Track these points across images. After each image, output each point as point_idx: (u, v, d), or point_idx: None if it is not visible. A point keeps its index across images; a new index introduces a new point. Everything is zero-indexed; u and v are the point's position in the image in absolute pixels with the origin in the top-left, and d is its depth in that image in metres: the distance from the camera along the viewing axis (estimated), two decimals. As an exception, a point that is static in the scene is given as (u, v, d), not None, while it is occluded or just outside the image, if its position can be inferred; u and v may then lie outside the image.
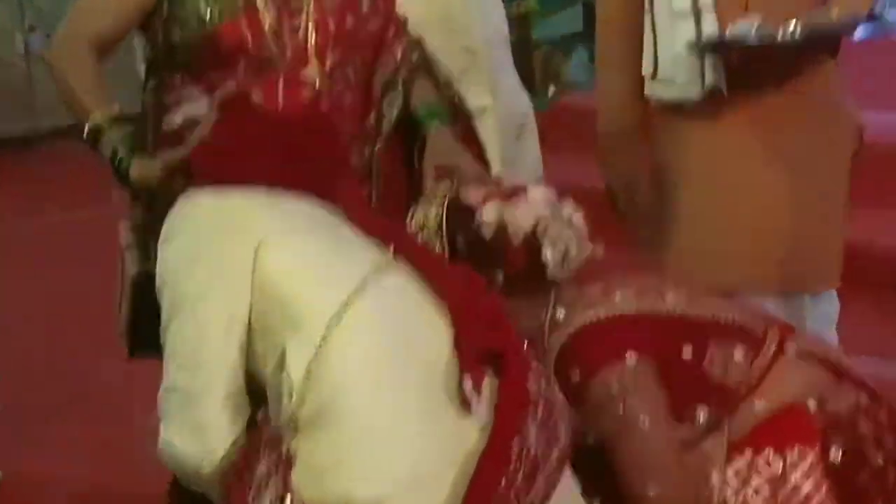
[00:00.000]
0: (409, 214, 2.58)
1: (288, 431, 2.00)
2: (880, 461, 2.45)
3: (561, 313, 2.47)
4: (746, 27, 2.97)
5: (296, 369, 1.98)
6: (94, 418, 4.19)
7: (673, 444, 2.39)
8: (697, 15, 3.08)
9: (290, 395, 1.98)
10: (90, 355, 4.41)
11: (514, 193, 2.50)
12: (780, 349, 2.49)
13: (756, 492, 2.38)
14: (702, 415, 2.39)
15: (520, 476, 2.02)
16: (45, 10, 8.02)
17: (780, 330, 2.54)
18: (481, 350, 2.05)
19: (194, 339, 2.06)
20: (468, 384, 1.98)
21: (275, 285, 2.04)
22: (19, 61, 8.58)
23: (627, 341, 2.40)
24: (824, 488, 2.39)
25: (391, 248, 2.12)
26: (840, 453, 2.42)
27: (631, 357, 2.37)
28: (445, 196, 2.55)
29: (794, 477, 2.39)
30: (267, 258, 2.04)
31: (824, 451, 2.41)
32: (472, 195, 2.52)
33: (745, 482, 2.39)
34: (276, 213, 2.14)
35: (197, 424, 2.06)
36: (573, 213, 2.50)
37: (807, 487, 2.39)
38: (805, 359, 2.51)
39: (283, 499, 1.99)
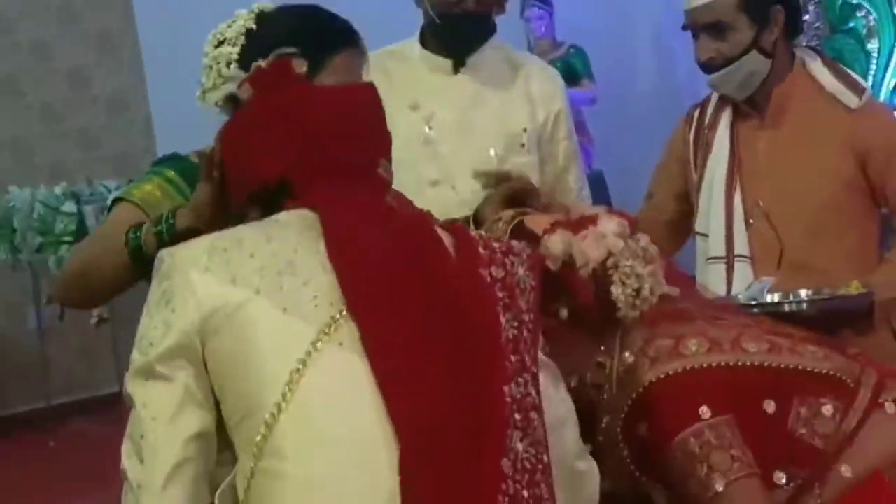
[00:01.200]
0: (480, 205, 2.74)
1: None
2: None
3: (629, 359, 2.49)
4: (758, 290, 3.08)
5: (241, 478, 2.00)
6: None
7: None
8: (730, 264, 3.29)
9: None
10: None
11: (583, 223, 2.50)
12: (875, 401, 2.47)
13: None
14: (786, 477, 2.41)
15: None
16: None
17: (877, 375, 2.51)
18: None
19: (135, 431, 2.07)
20: None
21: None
22: (31, 339, 8.50)
23: (702, 397, 2.40)
24: None
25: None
26: None
27: (705, 412, 2.37)
28: (510, 222, 2.60)
29: None
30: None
31: None
32: (538, 222, 2.56)
33: None
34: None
35: None
36: (648, 248, 2.47)
37: None
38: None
39: None
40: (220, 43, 2.71)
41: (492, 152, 3.54)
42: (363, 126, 2.34)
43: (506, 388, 2.03)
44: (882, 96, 7.32)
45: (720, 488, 2.31)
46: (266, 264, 2.06)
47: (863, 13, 7.62)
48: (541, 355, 2.13)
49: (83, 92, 8.75)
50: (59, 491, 6.85)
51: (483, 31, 3.58)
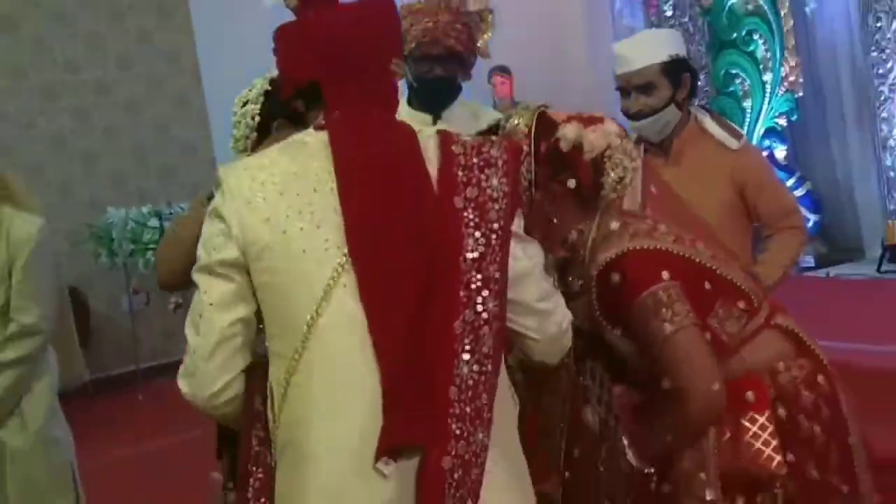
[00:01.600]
0: (505, 118, 2.58)
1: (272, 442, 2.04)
2: (817, 429, 2.45)
3: (614, 227, 2.49)
4: None
5: (277, 384, 1.99)
6: None
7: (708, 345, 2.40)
8: None
9: (273, 402, 2.01)
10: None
11: (592, 121, 2.49)
12: (767, 322, 2.50)
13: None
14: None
15: None
16: (149, 276, 8.07)
17: (770, 306, 2.56)
18: (402, 443, 1.92)
19: (196, 310, 2.04)
20: (382, 463, 1.90)
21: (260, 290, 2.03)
22: (125, 319, 8.56)
23: (665, 267, 2.40)
24: (774, 443, 2.37)
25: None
26: (785, 415, 2.41)
27: (665, 275, 2.38)
28: (538, 109, 2.53)
29: (747, 437, 2.39)
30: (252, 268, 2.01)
31: (774, 412, 2.40)
32: (557, 115, 2.52)
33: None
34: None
35: (190, 369, 2.07)
36: (634, 150, 2.53)
37: (758, 443, 2.37)
38: (779, 332, 2.52)
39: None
40: (244, 104, 2.95)
41: None
42: (375, 28, 2.19)
43: (456, 324, 1.95)
44: (754, 141, 7.75)
45: (668, 333, 2.35)
46: (291, 204, 2.03)
47: (740, 80, 7.82)
48: (515, 229, 2.04)
49: (164, 137, 8.78)
50: (146, 433, 6.90)
51: (450, 93, 3.54)
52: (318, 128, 2.11)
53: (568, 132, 2.43)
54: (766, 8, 7.61)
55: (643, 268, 2.43)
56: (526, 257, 2.06)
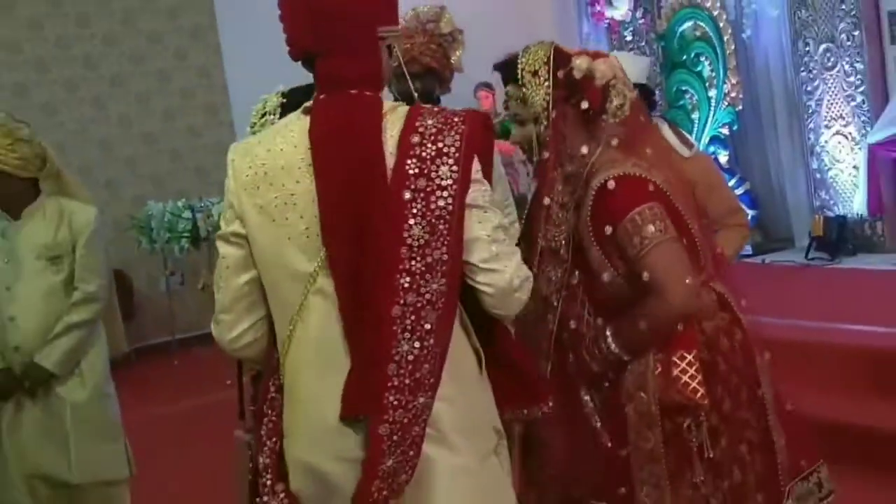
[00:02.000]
0: (523, 51, 2.47)
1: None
2: (733, 374, 2.42)
3: (613, 155, 2.43)
4: None
5: (281, 339, 2.00)
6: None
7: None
8: None
9: (280, 352, 2.02)
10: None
11: (599, 55, 2.45)
12: (705, 282, 2.45)
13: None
14: None
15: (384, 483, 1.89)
16: (182, 260, 8.17)
17: (714, 269, 2.51)
18: (350, 414, 1.92)
19: (218, 272, 2.05)
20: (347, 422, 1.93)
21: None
22: (162, 297, 8.54)
23: (648, 193, 2.35)
24: (699, 378, 2.32)
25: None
26: (708, 358, 2.36)
27: (650, 200, 2.34)
28: (549, 48, 2.46)
29: (676, 371, 2.33)
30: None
31: (699, 353, 2.35)
32: (570, 50, 2.48)
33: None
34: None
35: (216, 319, 2.08)
36: (630, 82, 2.49)
37: (686, 376, 2.31)
38: (712, 291, 2.47)
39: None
40: (263, 115, 2.86)
41: None
42: (335, 6, 2.03)
43: (394, 309, 1.88)
44: (701, 147, 7.75)
45: (642, 251, 2.31)
46: (279, 195, 1.98)
47: (689, 95, 7.75)
48: (470, 201, 1.95)
49: (197, 142, 8.74)
50: (180, 394, 6.91)
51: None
52: (305, 112, 2.06)
53: (581, 62, 2.38)
54: (711, 34, 7.62)
55: (632, 190, 2.37)
56: (479, 225, 1.96)
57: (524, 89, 2.43)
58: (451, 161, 1.92)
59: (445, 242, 1.89)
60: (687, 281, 2.31)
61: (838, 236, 7.05)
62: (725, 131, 7.75)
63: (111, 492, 3.89)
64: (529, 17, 8.86)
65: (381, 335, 1.88)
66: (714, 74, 7.70)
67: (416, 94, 3.11)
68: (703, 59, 7.77)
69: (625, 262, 2.36)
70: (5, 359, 3.68)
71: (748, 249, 7.46)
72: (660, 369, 2.34)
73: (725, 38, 7.58)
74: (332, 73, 2.05)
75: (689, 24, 7.79)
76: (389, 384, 1.87)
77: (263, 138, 2.10)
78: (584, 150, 2.43)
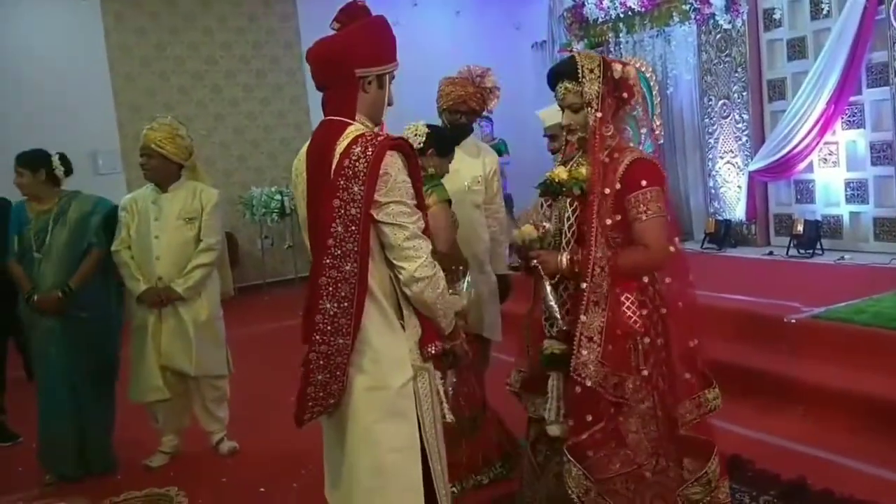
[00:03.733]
0: (577, 56, 2.33)
1: None
2: (655, 314, 2.27)
3: (622, 141, 2.33)
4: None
5: None
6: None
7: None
8: None
9: None
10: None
11: (625, 63, 2.39)
12: None
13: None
14: None
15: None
16: (273, 227, 8.18)
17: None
18: (303, 342, 1.96)
19: None
20: None
21: None
22: (258, 252, 8.49)
23: (651, 177, 2.25)
24: (638, 312, 2.23)
25: None
26: (640, 299, 2.25)
27: (645, 184, 2.22)
28: (601, 54, 2.39)
29: (622, 308, 2.22)
30: None
31: (639, 294, 2.25)
32: (610, 58, 2.40)
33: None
34: None
35: None
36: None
37: (630, 311, 2.23)
38: None
39: None
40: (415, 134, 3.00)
41: (465, 184, 3.40)
42: (336, 49, 1.97)
43: (321, 279, 1.88)
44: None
45: (644, 219, 2.18)
46: (298, 190, 2.05)
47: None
48: (382, 218, 1.89)
49: (286, 148, 8.51)
50: (268, 320, 6.80)
51: (467, 132, 3.49)
52: None
53: (616, 67, 2.32)
54: (644, 90, 7.51)
55: (653, 170, 2.27)
56: (395, 236, 1.91)
57: (583, 81, 2.27)
58: (360, 181, 1.87)
59: (356, 239, 1.88)
60: (671, 249, 2.26)
61: (724, 233, 7.03)
62: (650, 158, 7.64)
63: (216, 383, 3.99)
64: (515, 72, 8.81)
65: (313, 295, 1.91)
66: (645, 117, 7.51)
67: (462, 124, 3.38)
68: (637, 106, 7.60)
69: (620, 214, 2.24)
70: (151, 283, 3.77)
71: (661, 239, 7.47)
72: (605, 306, 2.24)
73: (654, 93, 7.33)
74: (323, 103, 2.03)
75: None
76: (317, 328, 1.90)
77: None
78: (609, 131, 2.34)
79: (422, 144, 3.01)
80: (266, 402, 4.48)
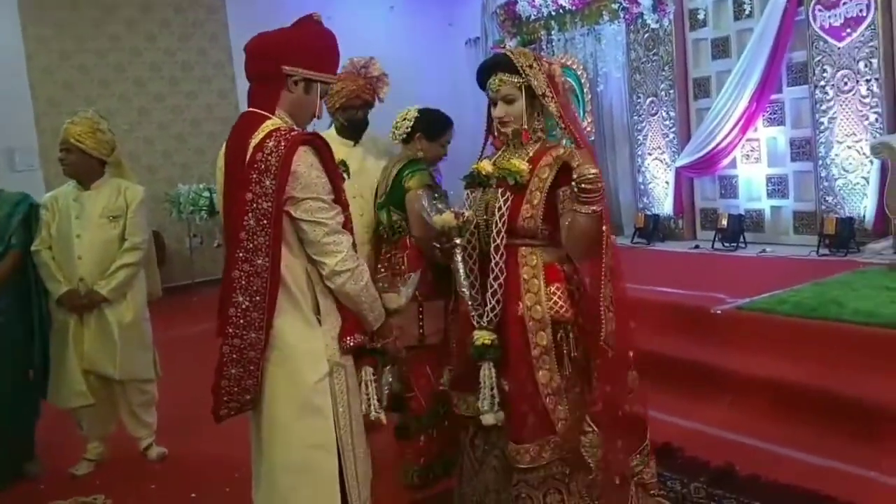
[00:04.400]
0: (510, 52, 2.33)
1: None
2: (583, 301, 2.30)
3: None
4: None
5: None
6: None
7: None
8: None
9: None
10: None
11: (552, 63, 2.41)
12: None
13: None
14: None
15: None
16: (201, 225, 8.01)
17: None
18: (217, 335, 1.96)
19: None
20: None
21: None
22: (186, 251, 8.31)
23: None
24: (568, 301, 2.25)
25: None
26: (568, 289, 2.27)
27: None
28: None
29: (554, 297, 2.23)
30: None
31: (564, 285, 2.26)
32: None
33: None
34: None
35: None
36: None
37: (561, 301, 2.23)
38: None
39: None
40: (404, 118, 3.09)
41: (376, 180, 3.26)
42: (266, 45, 1.99)
43: (234, 273, 1.87)
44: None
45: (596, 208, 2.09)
46: (219, 182, 2.03)
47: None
48: (298, 215, 1.88)
49: (215, 143, 8.06)
50: (198, 321, 6.38)
51: (365, 126, 3.40)
52: None
53: (544, 63, 2.35)
54: (576, 87, 7.58)
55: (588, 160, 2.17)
56: (314, 233, 1.90)
57: (528, 76, 2.27)
58: (272, 176, 1.86)
59: (268, 233, 1.86)
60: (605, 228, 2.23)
61: (653, 228, 7.18)
62: (581, 154, 7.73)
63: (143, 387, 3.90)
64: (448, 67, 8.79)
65: (226, 289, 1.90)
66: (578, 114, 7.61)
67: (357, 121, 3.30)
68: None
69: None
70: (72, 284, 3.64)
71: (593, 234, 7.58)
72: (536, 296, 2.26)
73: (585, 90, 7.40)
74: (248, 95, 2.03)
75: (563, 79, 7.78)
76: (229, 321, 1.90)
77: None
78: (542, 124, 2.37)
79: (409, 129, 3.05)
80: (196, 405, 4.19)
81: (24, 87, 7.55)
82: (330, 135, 3.34)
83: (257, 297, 1.87)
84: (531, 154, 2.31)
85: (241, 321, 1.87)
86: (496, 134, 2.40)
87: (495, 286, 2.26)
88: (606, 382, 2.25)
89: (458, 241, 2.26)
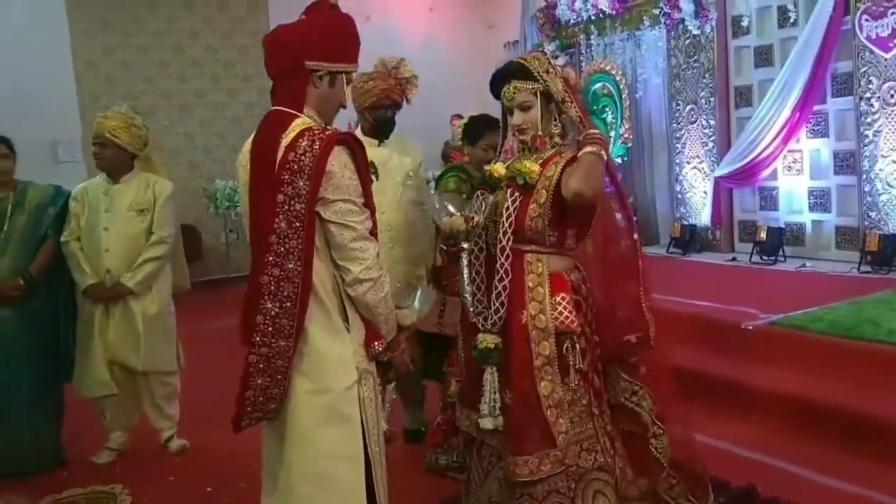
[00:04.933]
0: (525, 59, 2.35)
1: None
2: (589, 312, 2.29)
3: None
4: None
5: None
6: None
7: None
8: None
9: None
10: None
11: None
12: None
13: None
14: None
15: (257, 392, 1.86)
16: (237, 221, 8.09)
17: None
18: (242, 343, 1.89)
19: None
20: None
21: None
22: (222, 246, 8.42)
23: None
24: (574, 312, 2.23)
25: None
26: (575, 299, 2.26)
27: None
28: (544, 52, 2.37)
29: (559, 307, 2.22)
30: None
31: (571, 295, 2.24)
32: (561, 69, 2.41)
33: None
34: None
35: None
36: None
37: (567, 311, 2.21)
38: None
39: None
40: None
41: (398, 180, 3.37)
42: (287, 40, 1.93)
43: (262, 278, 1.80)
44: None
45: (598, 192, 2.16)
46: (242, 181, 1.98)
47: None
48: (329, 217, 1.83)
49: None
50: (232, 314, 6.74)
51: (392, 125, 3.42)
52: None
53: (568, 72, 2.40)
54: (614, 93, 7.44)
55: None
56: (341, 236, 1.85)
57: (545, 80, 2.29)
58: (306, 176, 1.80)
59: (300, 236, 1.80)
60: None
61: (689, 238, 7.07)
62: (619, 161, 7.53)
63: (166, 379, 3.93)
64: (486, 70, 8.74)
65: (254, 294, 1.83)
66: (614, 121, 7.43)
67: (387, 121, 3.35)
68: (607, 109, 7.45)
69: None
70: (99, 276, 3.69)
71: (627, 243, 7.51)
72: (542, 307, 2.24)
73: (624, 96, 7.28)
74: (272, 93, 1.97)
75: (599, 84, 7.64)
76: (257, 329, 1.82)
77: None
78: (558, 129, 2.39)
79: (461, 136, 3.18)
80: (219, 398, 4.24)
81: (70, 81, 7.74)
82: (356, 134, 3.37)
83: (287, 303, 1.80)
84: (545, 157, 2.32)
85: (270, 328, 1.81)
86: (518, 141, 2.40)
87: (500, 289, 2.24)
88: (657, 384, 2.27)
89: (465, 245, 2.25)
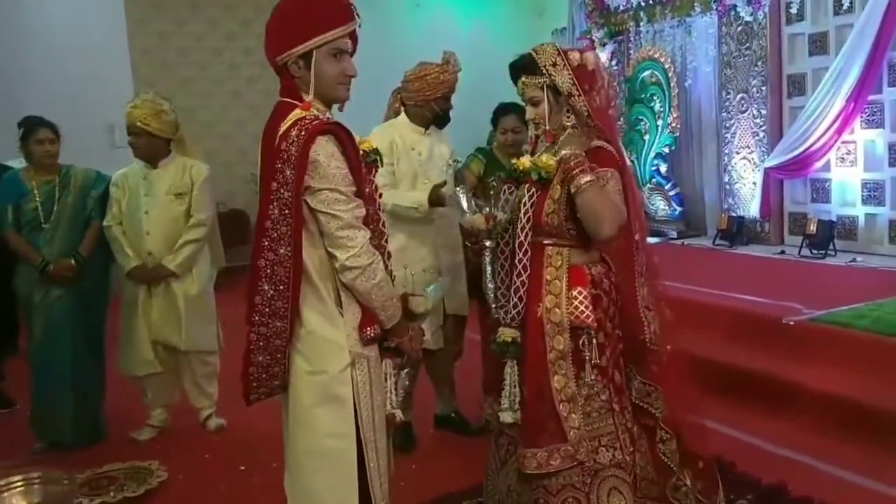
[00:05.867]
0: (534, 51, 2.29)
1: None
2: (611, 307, 2.28)
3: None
4: None
5: None
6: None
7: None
8: None
9: None
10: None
11: (584, 51, 2.35)
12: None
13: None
14: None
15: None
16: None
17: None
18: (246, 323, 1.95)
19: None
20: None
21: None
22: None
23: (609, 162, 2.24)
24: (591, 306, 2.21)
25: None
26: (594, 293, 2.24)
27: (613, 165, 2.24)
28: (553, 43, 2.30)
29: (576, 301, 2.21)
30: None
31: (589, 290, 2.23)
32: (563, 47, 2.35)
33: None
34: None
35: None
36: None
37: (583, 306, 2.20)
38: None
39: None
40: None
41: (442, 165, 3.42)
42: (268, 32, 1.96)
43: (259, 262, 1.87)
44: (648, 160, 7.60)
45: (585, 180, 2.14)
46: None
47: (643, 122, 7.49)
48: (315, 205, 1.86)
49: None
50: None
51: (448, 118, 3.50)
52: None
53: (574, 56, 2.28)
54: (662, 81, 7.38)
55: (600, 158, 2.24)
56: (329, 225, 1.88)
57: (551, 74, 2.24)
58: (292, 166, 1.84)
59: (289, 223, 1.85)
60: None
61: (737, 230, 6.92)
62: (667, 150, 7.54)
63: (207, 358, 4.03)
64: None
65: (253, 277, 1.90)
66: (662, 109, 7.44)
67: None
68: (655, 97, 7.50)
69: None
70: (141, 258, 3.81)
71: (673, 234, 7.41)
72: (559, 300, 2.23)
73: (672, 84, 7.33)
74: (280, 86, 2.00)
75: (647, 72, 7.59)
76: (256, 309, 1.90)
77: None
78: (571, 121, 2.32)
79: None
80: None
81: (126, 67, 7.90)
82: (402, 121, 3.47)
83: (281, 286, 1.87)
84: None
85: (267, 309, 1.88)
86: (534, 136, 2.41)
87: (518, 283, 2.25)
88: (666, 385, 2.26)
89: (487, 243, 2.27)
